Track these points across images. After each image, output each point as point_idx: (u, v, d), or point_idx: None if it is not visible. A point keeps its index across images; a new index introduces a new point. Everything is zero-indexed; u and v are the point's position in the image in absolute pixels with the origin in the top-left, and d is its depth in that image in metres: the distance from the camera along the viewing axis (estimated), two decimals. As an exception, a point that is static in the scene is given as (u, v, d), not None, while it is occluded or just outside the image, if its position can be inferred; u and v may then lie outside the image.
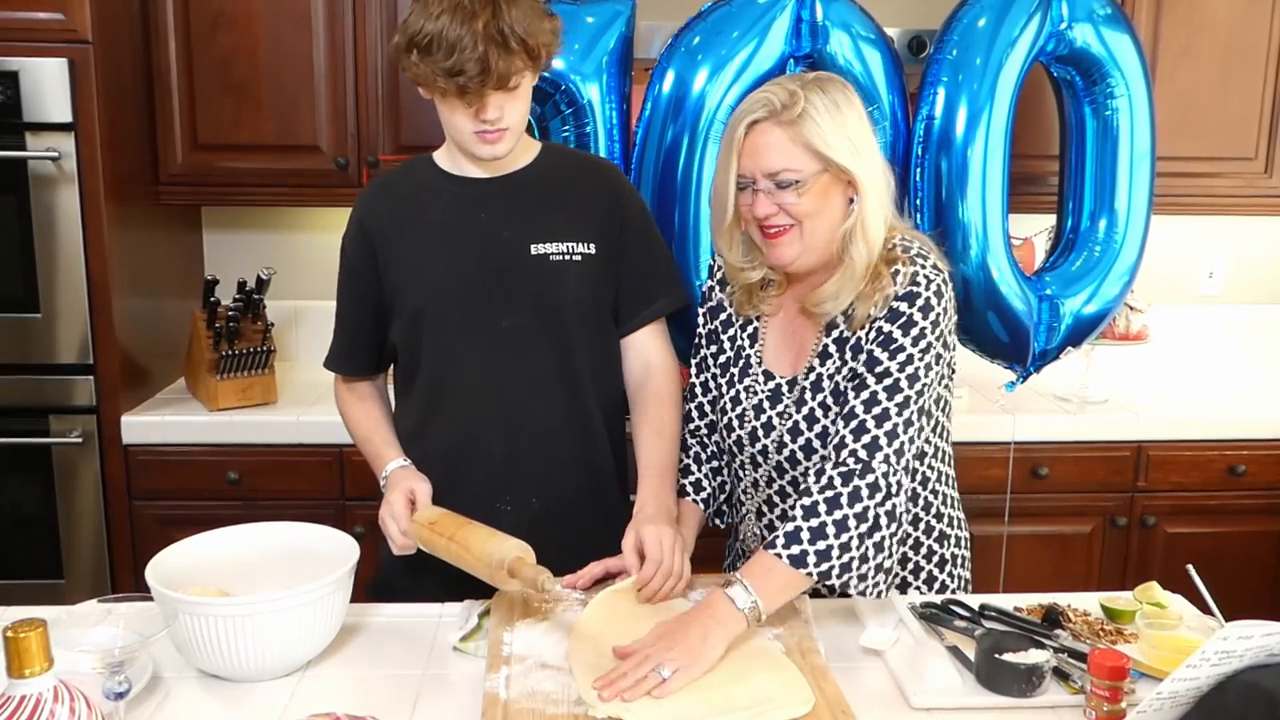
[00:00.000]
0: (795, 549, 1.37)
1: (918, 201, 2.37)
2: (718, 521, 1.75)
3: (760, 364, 1.59)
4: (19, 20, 2.35)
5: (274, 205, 2.95)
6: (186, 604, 1.27)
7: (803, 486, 1.45)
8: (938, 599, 1.50)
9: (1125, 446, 2.67)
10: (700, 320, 1.70)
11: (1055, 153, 2.57)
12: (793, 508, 1.42)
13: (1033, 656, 1.29)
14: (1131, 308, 2.78)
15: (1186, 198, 2.83)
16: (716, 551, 1.82)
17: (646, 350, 1.75)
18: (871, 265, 1.46)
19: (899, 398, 1.43)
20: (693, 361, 1.71)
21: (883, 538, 1.40)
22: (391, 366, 1.80)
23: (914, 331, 1.44)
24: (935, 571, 1.65)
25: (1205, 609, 1.47)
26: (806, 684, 1.27)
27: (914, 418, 1.44)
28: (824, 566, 1.37)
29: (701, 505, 1.69)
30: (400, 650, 1.43)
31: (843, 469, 1.41)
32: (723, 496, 1.73)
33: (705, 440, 1.72)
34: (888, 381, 1.43)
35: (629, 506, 1.64)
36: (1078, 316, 2.45)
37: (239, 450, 2.54)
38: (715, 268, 1.69)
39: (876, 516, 1.39)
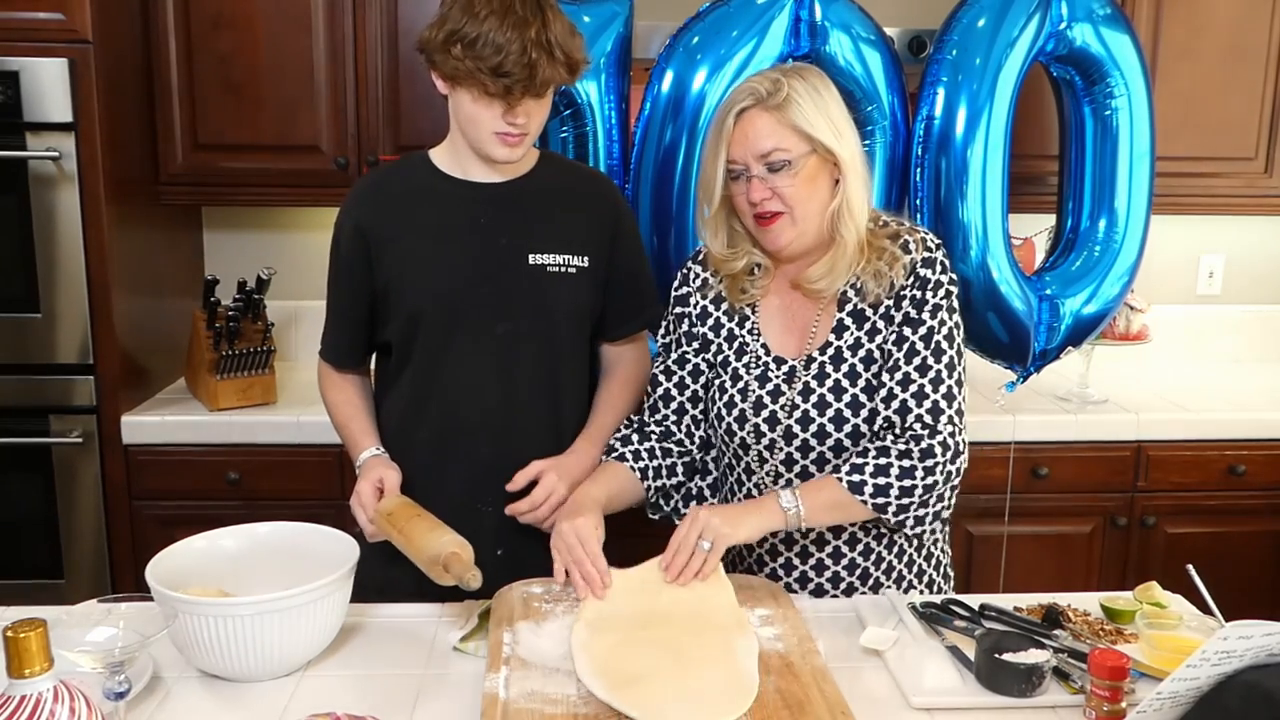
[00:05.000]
0: (855, 476, 1.47)
1: (918, 202, 2.37)
2: (653, 515, 1.72)
3: (768, 352, 1.59)
4: (19, 20, 2.34)
5: (274, 205, 2.95)
6: (186, 604, 1.27)
7: (874, 443, 1.53)
8: (938, 599, 1.50)
9: (1125, 446, 2.66)
10: (671, 324, 1.69)
11: (1055, 153, 2.57)
12: (867, 447, 1.50)
13: (1033, 656, 1.29)
14: (1131, 308, 2.78)
15: (1186, 198, 2.83)
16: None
17: (625, 357, 1.81)
18: (861, 241, 1.53)
19: (945, 359, 1.50)
20: (667, 359, 1.69)
21: (943, 491, 1.51)
22: (374, 356, 1.82)
23: (940, 292, 1.52)
24: (930, 571, 1.66)
25: (1205, 609, 1.46)
26: (752, 690, 1.23)
27: (961, 376, 1.52)
28: (880, 501, 1.47)
29: (638, 475, 1.64)
30: (400, 650, 1.43)
31: (912, 431, 1.48)
32: (662, 482, 1.67)
33: (669, 430, 1.68)
34: (932, 344, 1.50)
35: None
36: (1077, 316, 2.45)
37: (239, 450, 2.54)
38: (691, 275, 1.68)
39: (948, 472, 1.49)
